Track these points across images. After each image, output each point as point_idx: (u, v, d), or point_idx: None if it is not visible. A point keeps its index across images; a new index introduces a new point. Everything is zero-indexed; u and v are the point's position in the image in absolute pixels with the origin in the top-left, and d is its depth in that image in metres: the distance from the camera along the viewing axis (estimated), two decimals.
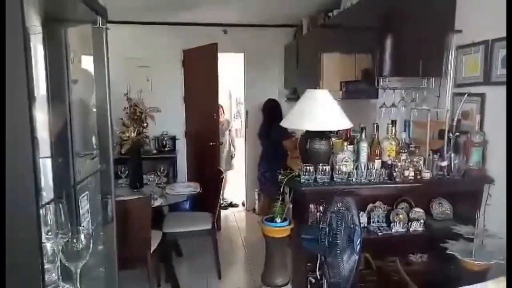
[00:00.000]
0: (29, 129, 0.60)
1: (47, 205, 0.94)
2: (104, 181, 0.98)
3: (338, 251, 1.75)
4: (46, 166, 0.96)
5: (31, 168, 0.60)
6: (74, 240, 0.91)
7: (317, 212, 2.24)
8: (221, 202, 4.96)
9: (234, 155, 5.90)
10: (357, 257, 1.83)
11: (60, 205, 0.93)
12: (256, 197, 5.15)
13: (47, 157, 0.96)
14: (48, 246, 0.90)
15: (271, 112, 4.69)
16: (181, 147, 5.04)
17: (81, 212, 1.24)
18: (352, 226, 1.79)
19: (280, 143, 4.14)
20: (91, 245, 0.94)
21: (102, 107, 0.95)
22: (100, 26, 0.86)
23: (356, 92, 3.12)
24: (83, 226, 1.03)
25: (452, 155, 2.29)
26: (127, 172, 3.49)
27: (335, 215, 1.74)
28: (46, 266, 0.93)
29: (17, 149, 0.62)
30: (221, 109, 5.71)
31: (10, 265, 0.66)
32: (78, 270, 0.93)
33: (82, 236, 0.91)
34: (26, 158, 0.61)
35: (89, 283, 1.10)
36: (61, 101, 1.03)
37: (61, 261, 0.97)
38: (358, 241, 1.80)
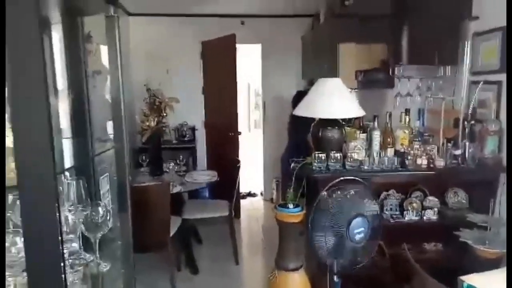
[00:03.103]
0: (46, 112, 0.68)
1: (69, 182, 1.03)
2: (120, 162, 1.07)
3: (319, 234, 1.81)
4: (68, 146, 1.06)
5: (49, 147, 0.69)
6: (93, 213, 1.01)
7: (328, 198, 2.28)
8: (240, 192, 5.03)
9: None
10: (356, 245, 1.86)
11: (80, 182, 1.03)
12: (274, 187, 5.22)
13: (68, 138, 1.06)
14: (70, 217, 1.00)
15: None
16: (200, 137, 5.16)
17: (101, 192, 1.34)
18: (353, 214, 1.82)
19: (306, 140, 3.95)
20: (109, 218, 1.04)
21: (116, 95, 1.03)
22: (111, 14, 0.93)
23: (372, 81, 3.12)
24: (101, 202, 1.13)
25: (467, 143, 2.27)
26: (147, 160, 3.63)
27: (325, 201, 1.80)
28: (69, 236, 1.03)
29: (36, 131, 0.70)
30: None
31: (31, 235, 0.75)
32: (97, 240, 1.02)
33: (100, 209, 1.01)
34: (44, 138, 0.69)
35: (109, 255, 1.20)
36: (80, 86, 1.12)
37: (82, 234, 1.07)
38: (359, 230, 1.83)
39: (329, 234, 1.83)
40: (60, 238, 0.79)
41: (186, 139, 4.96)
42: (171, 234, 3.01)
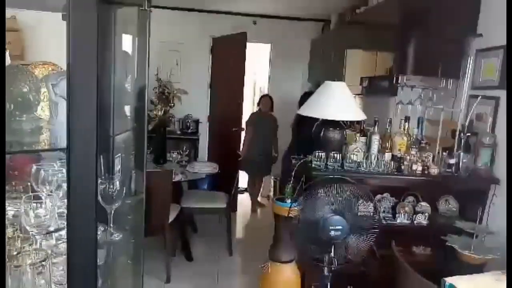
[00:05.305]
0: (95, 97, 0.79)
1: None
2: (139, 144, 1.17)
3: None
4: None
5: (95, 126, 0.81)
6: (111, 186, 1.11)
7: (326, 197, 2.38)
8: (238, 187, 5.12)
9: (275, 159, 4.91)
10: (333, 241, 1.95)
11: (101, 158, 1.13)
12: (272, 184, 5.32)
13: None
14: None
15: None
16: (204, 130, 5.25)
17: (116, 169, 1.45)
18: (331, 211, 1.93)
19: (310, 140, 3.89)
20: (124, 192, 1.14)
21: (142, 83, 1.12)
22: (145, 8, 1.03)
23: (376, 88, 3.21)
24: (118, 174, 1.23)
25: (462, 154, 2.36)
26: (151, 148, 3.73)
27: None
28: None
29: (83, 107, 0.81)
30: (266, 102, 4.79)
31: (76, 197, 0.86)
32: (112, 211, 1.13)
33: (117, 183, 1.11)
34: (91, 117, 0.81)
35: (120, 228, 1.29)
36: (106, 76, 1.22)
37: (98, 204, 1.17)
38: (336, 228, 1.91)
39: (311, 226, 1.95)
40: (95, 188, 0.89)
41: (189, 131, 5.07)
42: (170, 220, 3.11)
